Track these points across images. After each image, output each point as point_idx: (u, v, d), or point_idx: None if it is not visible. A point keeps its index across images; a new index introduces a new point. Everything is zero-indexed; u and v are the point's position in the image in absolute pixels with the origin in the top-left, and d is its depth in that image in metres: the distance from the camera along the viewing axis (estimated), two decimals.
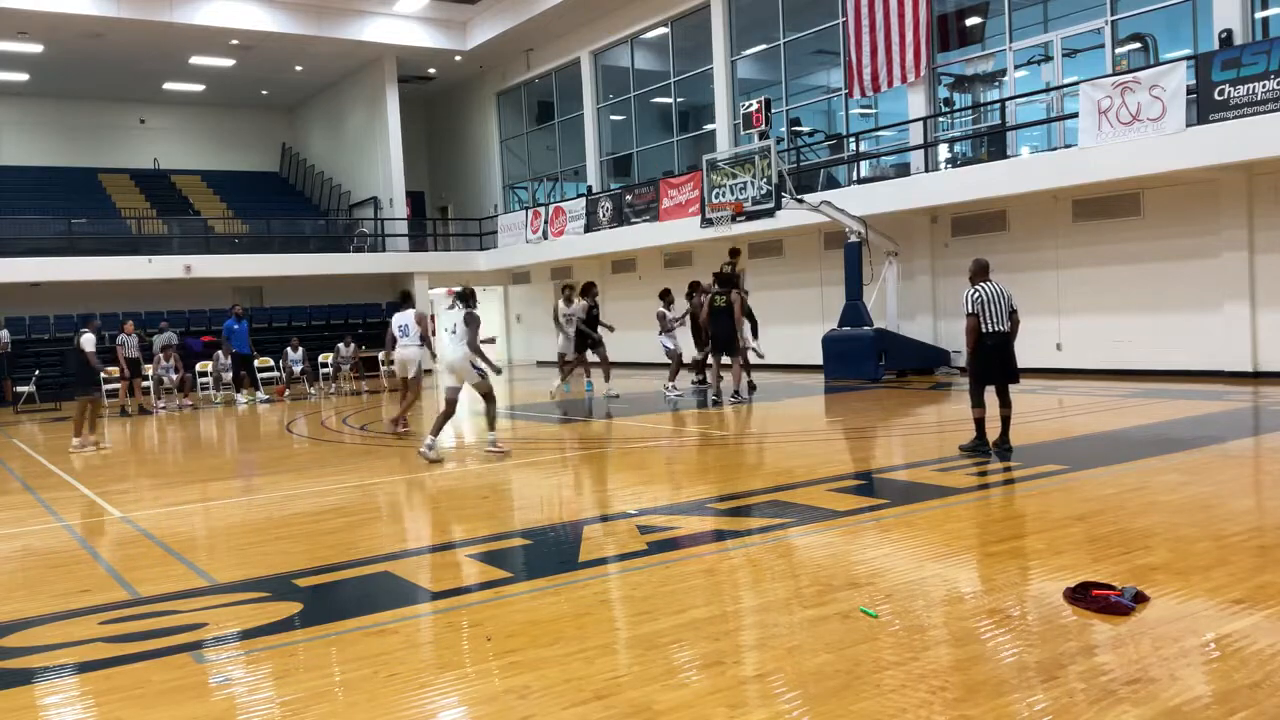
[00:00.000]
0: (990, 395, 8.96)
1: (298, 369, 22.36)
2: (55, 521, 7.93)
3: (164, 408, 19.49)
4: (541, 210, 26.97)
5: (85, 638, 4.74)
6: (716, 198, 18.27)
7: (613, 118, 27.32)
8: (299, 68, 29.36)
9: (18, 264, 23.46)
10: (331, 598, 5.45)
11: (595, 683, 3.84)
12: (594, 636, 4.42)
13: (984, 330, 8.72)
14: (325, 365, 23.22)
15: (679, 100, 24.99)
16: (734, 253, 15.75)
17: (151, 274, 24.63)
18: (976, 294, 8.77)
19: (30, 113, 30.54)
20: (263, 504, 8.58)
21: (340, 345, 23.23)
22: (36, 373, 21.11)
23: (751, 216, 17.74)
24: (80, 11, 23.24)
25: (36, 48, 25.61)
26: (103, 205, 28.84)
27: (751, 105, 17.76)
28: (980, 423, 8.93)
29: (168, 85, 30.37)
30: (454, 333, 10.16)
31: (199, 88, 30.85)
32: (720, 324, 14.26)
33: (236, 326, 19.79)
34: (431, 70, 30.24)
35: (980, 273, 9.04)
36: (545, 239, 26.45)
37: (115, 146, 31.80)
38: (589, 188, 26.83)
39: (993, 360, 8.80)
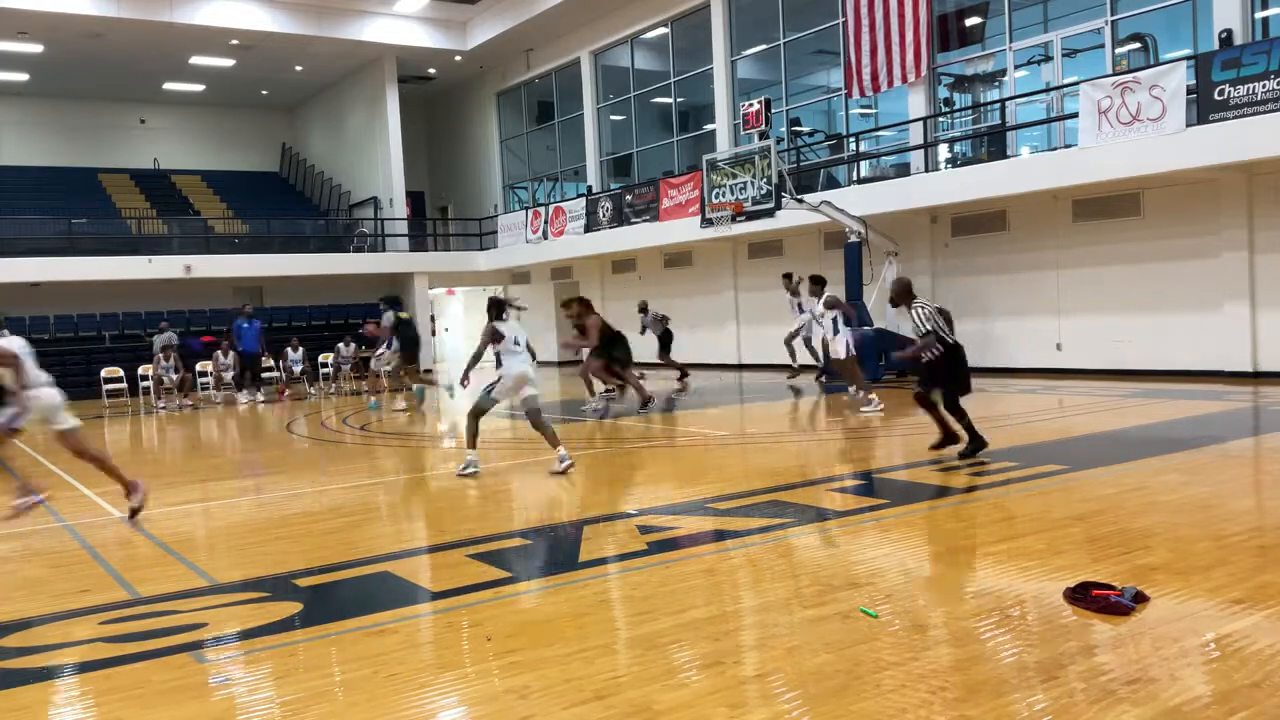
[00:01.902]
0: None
1: (298, 369, 22.38)
2: (55, 522, 7.93)
3: (164, 407, 19.50)
4: (541, 210, 26.97)
5: (85, 638, 4.74)
6: (716, 198, 18.27)
7: (613, 118, 27.32)
8: (299, 68, 29.37)
9: (18, 264, 23.47)
10: (331, 598, 5.44)
11: (595, 683, 3.84)
12: (594, 636, 4.42)
13: (949, 341, 8.81)
14: (325, 365, 23.23)
15: (679, 100, 24.99)
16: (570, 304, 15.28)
17: (151, 274, 24.63)
18: (927, 310, 8.83)
19: (30, 113, 30.54)
20: (263, 504, 8.58)
21: (340, 345, 23.24)
22: None
23: (751, 216, 17.74)
24: (80, 11, 23.25)
25: (36, 48, 25.61)
26: (103, 205, 28.84)
27: (751, 105, 17.76)
28: (970, 425, 8.88)
29: (168, 85, 30.38)
30: (517, 344, 9.32)
31: (199, 88, 30.85)
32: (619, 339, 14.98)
33: (246, 326, 19.82)
34: (431, 70, 30.24)
35: (906, 293, 9.09)
36: (545, 239, 26.45)
37: (115, 146, 31.80)
38: (589, 188, 26.83)
39: (959, 368, 8.88)
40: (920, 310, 8.80)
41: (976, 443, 8.77)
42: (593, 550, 6.15)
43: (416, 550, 6.58)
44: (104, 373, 21.88)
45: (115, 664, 4.32)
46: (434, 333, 29.99)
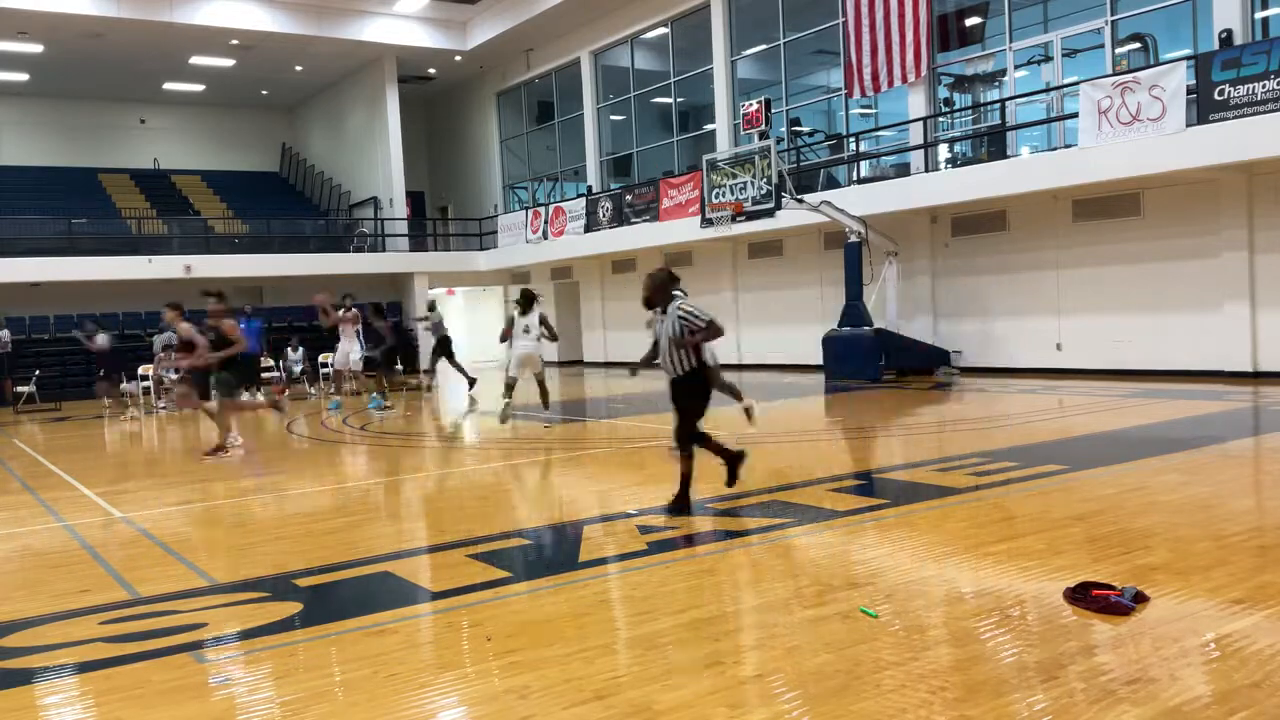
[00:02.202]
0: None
1: (298, 369, 22.38)
2: (55, 521, 7.93)
3: (164, 407, 19.50)
4: (541, 210, 26.98)
5: (85, 638, 4.73)
6: (716, 198, 18.28)
7: (613, 118, 27.32)
8: (299, 68, 29.36)
9: (18, 264, 23.46)
10: (331, 598, 5.44)
11: (595, 683, 3.84)
12: (594, 636, 4.42)
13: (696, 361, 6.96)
14: (325, 365, 23.22)
15: (679, 100, 24.98)
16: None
17: (151, 274, 24.63)
18: (688, 310, 6.83)
19: (30, 113, 30.53)
20: (263, 504, 8.58)
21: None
22: (36, 373, 21.11)
23: (751, 216, 17.75)
24: (80, 11, 23.24)
25: (36, 48, 25.60)
26: (103, 205, 28.84)
27: (751, 105, 17.77)
28: (686, 479, 6.97)
29: (168, 85, 30.37)
30: (527, 332, 12.43)
31: (199, 88, 30.85)
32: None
33: (245, 326, 19.78)
34: (431, 70, 30.24)
35: (664, 290, 7.01)
36: (545, 239, 26.45)
37: (115, 146, 31.79)
38: (589, 188, 26.83)
39: (706, 390, 7.17)
40: (684, 314, 6.73)
41: (681, 501, 6.90)
42: (593, 550, 6.15)
43: (417, 550, 6.58)
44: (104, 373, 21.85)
45: (115, 664, 4.32)
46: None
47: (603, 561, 5.88)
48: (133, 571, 6.07)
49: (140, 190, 30.29)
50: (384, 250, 28.96)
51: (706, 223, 18.94)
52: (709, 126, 23.91)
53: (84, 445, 14.60)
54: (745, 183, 17.65)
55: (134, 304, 25.67)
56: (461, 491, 8.87)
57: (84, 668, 4.32)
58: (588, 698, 3.69)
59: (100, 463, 12.57)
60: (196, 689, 4.01)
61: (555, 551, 6.30)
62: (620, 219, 23.82)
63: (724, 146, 21.91)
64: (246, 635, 4.68)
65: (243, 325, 19.70)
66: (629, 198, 23.69)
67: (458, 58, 28.87)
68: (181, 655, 4.40)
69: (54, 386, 21.74)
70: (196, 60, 27.77)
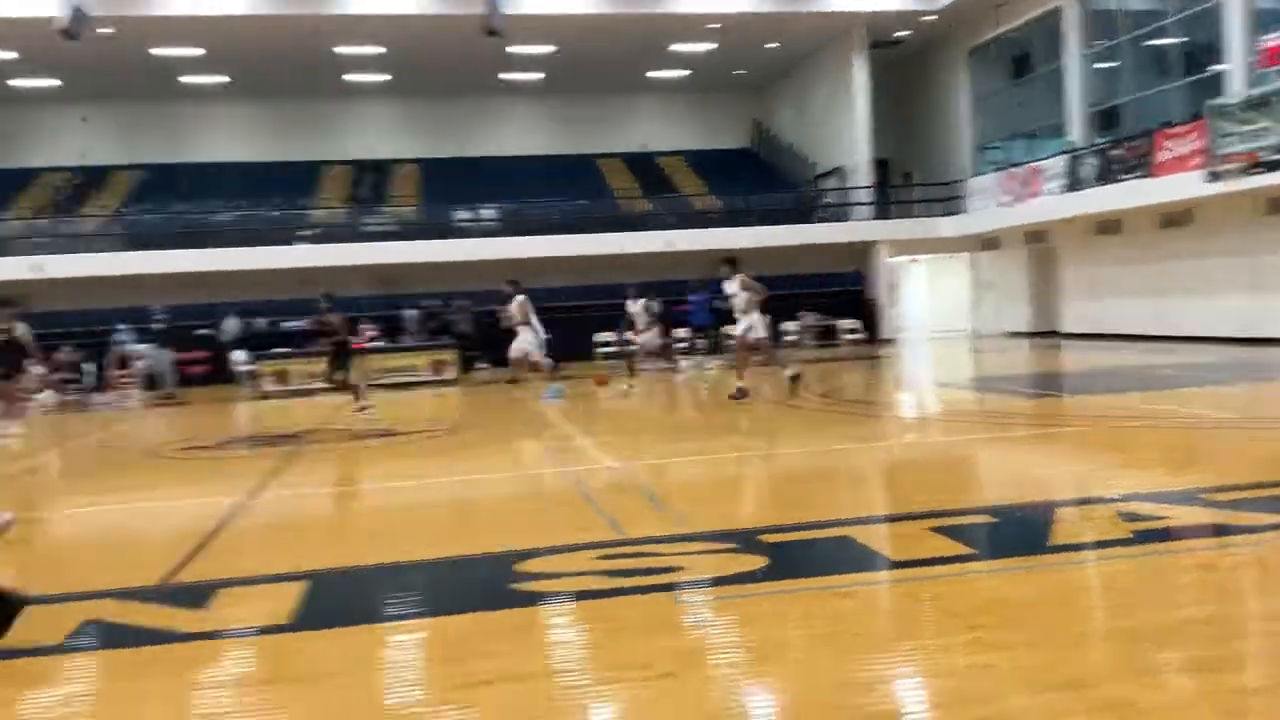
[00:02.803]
0: None
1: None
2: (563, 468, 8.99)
3: (647, 370, 21.11)
4: (1015, 171, 25.49)
5: (582, 569, 5.32)
6: (1226, 148, 16.09)
7: (1095, 66, 25.02)
8: (772, 45, 30.33)
9: (530, 241, 26.77)
10: (794, 555, 5.62)
11: (1067, 670, 3.60)
12: (1064, 623, 4.13)
13: None
14: (787, 334, 23.93)
15: (1180, 41, 22.24)
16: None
17: (636, 249, 27.01)
18: None
19: (537, 107, 34.49)
20: (734, 464, 9.07)
21: (804, 314, 23.82)
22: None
23: (1272, 168, 15.40)
24: (580, 11, 26.00)
25: (549, 48, 28.92)
26: (598, 187, 32.03)
27: (1271, 40, 15.39)
28: None
29: (651, 74, 32.81)
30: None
31: (683, 73, 32.98)
32: None
33: (694, 298, 21.67)
34: (900, 33, 29.75)
35: None
36: (1019, 201, 24.99)
37: (610, 132, 34.93)
38: (1070, 143, 24.86)
39: None
40: None
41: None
42: (1066, 534, 5.75)
43: (876, 518, 6.60)
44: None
45: (609, 595, 4.81)
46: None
47: (1077, 547, 5.48)
48: (615, 514, 6.73)
49: (631, 171, 33.22)
50: (847, 220, 29.16)
51: (1213, 177, 16.73)
52: (1215, 68, 21.04)
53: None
54: (1264, 129, 15.33)
55: (639, 276, 28.29)
56: (925, 464, 8.73)
57: (581, 595, 4.86)
58: (1059, 684, 3.47)
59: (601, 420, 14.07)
60: (671, 627, 4.36)
61: (1023, 531, 5.98)
62: (1105, 176, 21.81)
63: (1236, 89, 19.15)
64: (719, 582, 4.99)
65: (694, 299, 21.34)
66: (1116, 152, 21.62)
67: (927, 18, 28.11)
68: (663, 594, 4.80)
69: None
70: (676, 47, 29.77)
